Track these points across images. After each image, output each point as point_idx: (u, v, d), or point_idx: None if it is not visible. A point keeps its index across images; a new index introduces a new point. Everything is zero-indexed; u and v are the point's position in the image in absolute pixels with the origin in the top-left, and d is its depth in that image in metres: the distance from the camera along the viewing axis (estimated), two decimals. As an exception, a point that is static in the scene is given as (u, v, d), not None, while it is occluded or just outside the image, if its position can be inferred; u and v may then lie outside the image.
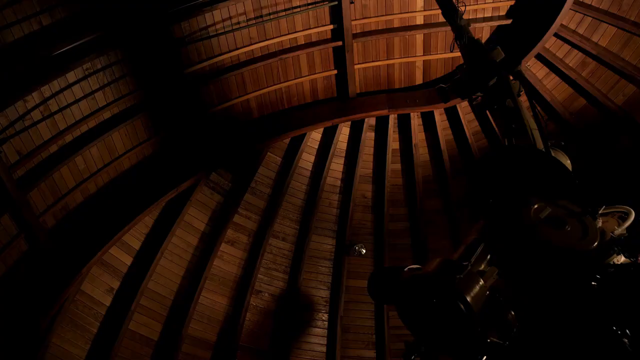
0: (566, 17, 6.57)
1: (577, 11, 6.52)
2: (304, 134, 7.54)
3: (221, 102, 6.92)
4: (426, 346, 1.49)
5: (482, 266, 1.64)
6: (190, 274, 7.01)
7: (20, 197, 5.43)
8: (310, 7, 6.56)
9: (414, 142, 7.68)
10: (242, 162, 7.37)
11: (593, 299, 1.50)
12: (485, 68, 2.66)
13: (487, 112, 2.85)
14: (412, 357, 1.48)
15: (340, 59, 7.15)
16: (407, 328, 1.51)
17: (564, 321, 1.48)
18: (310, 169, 7.77)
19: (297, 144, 7.59)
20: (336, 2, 6.54)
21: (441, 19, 6.64)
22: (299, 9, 6.54)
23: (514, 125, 2.42)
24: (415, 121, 7.64)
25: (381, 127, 7.79)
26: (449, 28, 7.06)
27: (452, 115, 7.67)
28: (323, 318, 7.54)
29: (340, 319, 7.44)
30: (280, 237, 7.59)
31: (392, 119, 7.68)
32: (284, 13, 6.51)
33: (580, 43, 6.65)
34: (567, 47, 6.83)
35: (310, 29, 6.79)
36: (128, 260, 6.57)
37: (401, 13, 6.92)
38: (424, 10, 6.90)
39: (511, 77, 2.81)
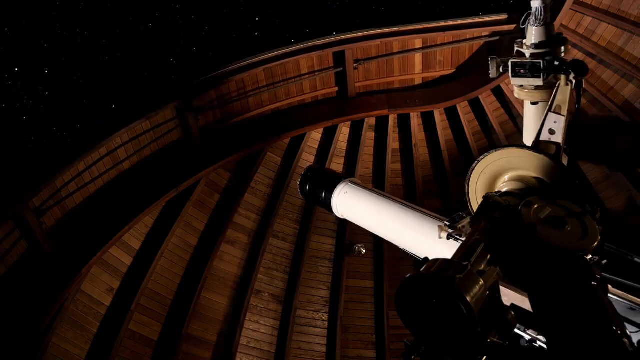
0: (566, 17, 6.58)
1: (577, 11, 6.53)
2: (304, 134, 7.55)
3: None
4: (426, 346, 1.49)
5: (482, 266, 1.64)
6: (190, 274, 7.01)
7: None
8: (317, 74, 7.26)
9: (414, 142, 7.69)
10: (242, 162, 7.38)
11: (593, 299, 1.50)
12: (555, 63, 2.47)
13: (523, 103, 2.69)
14: (412, 357, 1.48)
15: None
16: (407, 328, 1.51)
17: (564, 321, 1.48)
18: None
19: (297, 144, 7.60)
20: (341, 69, 7.23)
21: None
22: (307, 76, 7.20)
23: (551, 129, 2.32)
24: (415, 121, 7.65)
25: (381, 127, 7.79)
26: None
27: (452, 115, 7.68)
28: (323, 318, 7.54)
29: (340, 319, 7.44)
30: (280, 237, 7.59)
31: (392, 119, 7.69)
32: (293, 80, 7.16)
33: (580, 43, 6.65)
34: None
35: (317, 90, 7.46)
36: (128, 260, 6.57)
37: (401, 75, 7.54)
38: (422, 72, 7.53)
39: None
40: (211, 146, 7.03)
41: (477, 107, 7.62)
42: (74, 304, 6.07)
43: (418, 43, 7.33)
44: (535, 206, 1.82)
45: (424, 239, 2.43)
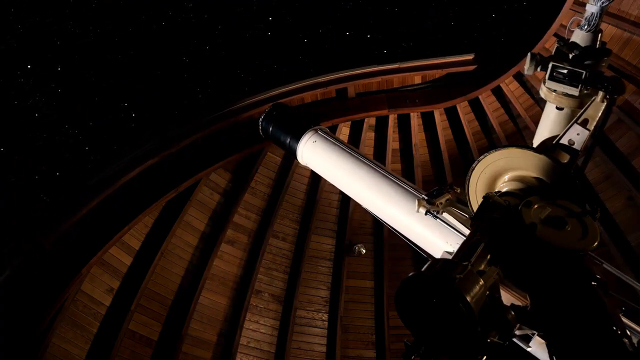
0: (566, 17, 6.58)
1: (577, 11, 6.52)
2: (304, 134, 7.55)
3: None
4: (426, 346, 1.49)
5: (482, 266, 1.64)
6: (190, 274, 7.02)
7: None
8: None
9: (414, 142, 7.69)
10: (242, 162, 7.38)
11: (593, 299, 1.50)
12: (594, 76, 2.29)
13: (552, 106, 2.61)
14: (412, 357, 1.48)
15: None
16: (407, 328, 1.51)
17: (564, 321, 1.49)
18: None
19: (297, 144, 7.60)
20: None
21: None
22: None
23: (571, 140, 2.29)
24: (415, 121, 7.65)
25: (381, 127, 7.79)
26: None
27: (452, 115, 7.68)
28: (323, 318, 7.54)
29: (340, 319, 7.44)
30: (280, 237, 7.59)
31: (392, 119, 7.69)
32: None
33: (581, 43, 6.64)
34: (567, 47, 6.83)
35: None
36: (128, 260, 6.57)
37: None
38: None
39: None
40: (211, 146, 7.03)
41: (477, 107, 7.62)
42: (74, 304, 6.07)
43: (417, 79, 7.52)
44: (535, 206, 1.82)
45: (399, 210, 2.38)
